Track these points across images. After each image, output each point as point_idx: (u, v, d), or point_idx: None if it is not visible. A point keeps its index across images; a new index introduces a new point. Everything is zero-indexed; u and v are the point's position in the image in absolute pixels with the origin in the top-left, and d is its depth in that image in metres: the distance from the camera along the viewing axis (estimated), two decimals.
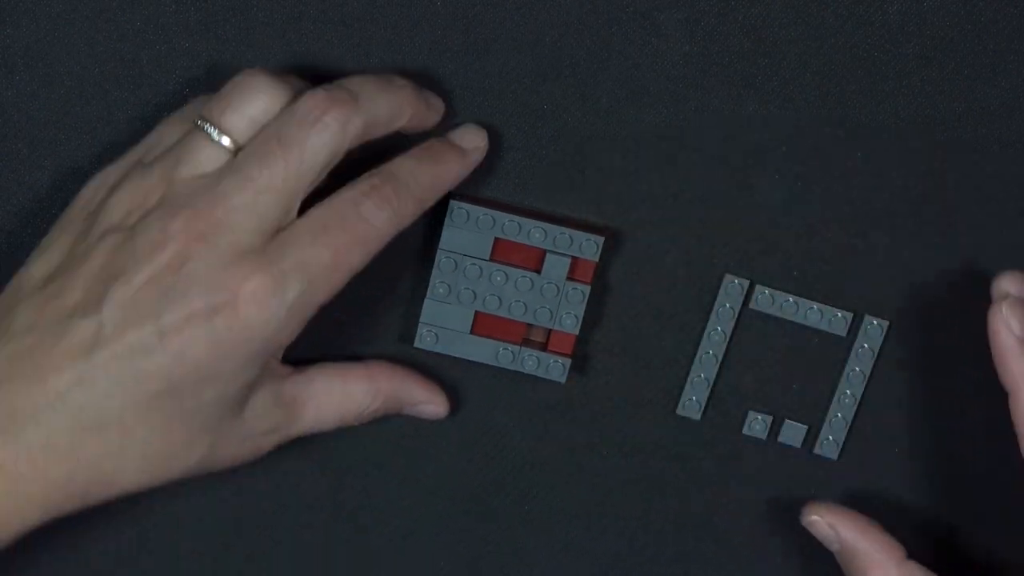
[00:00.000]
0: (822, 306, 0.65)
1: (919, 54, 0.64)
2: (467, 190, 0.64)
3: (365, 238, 0.58)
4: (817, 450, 0.67)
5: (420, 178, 0.60)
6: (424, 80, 0.63)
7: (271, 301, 0.55)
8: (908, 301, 0.66)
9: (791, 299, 0.65)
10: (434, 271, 0.63)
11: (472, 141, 0.63)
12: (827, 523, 0.62)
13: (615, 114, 0.64)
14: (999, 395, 0.66)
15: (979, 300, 0.66)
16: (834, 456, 0.67)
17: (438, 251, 0.63)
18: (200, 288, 0.55)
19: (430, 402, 0.64)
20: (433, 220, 0.64)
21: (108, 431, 0.55)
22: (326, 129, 0.57)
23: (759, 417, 0.66)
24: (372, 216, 0.58)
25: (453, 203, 0.63)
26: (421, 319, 0.64)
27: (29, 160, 0.64)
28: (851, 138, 0.65)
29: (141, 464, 0.56)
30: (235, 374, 0.56)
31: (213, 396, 0.56)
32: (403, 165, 0.60)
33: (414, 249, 0.65)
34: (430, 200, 0.60)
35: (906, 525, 0.67)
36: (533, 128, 0.64)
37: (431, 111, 0.62)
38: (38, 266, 0.58)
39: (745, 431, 0.66)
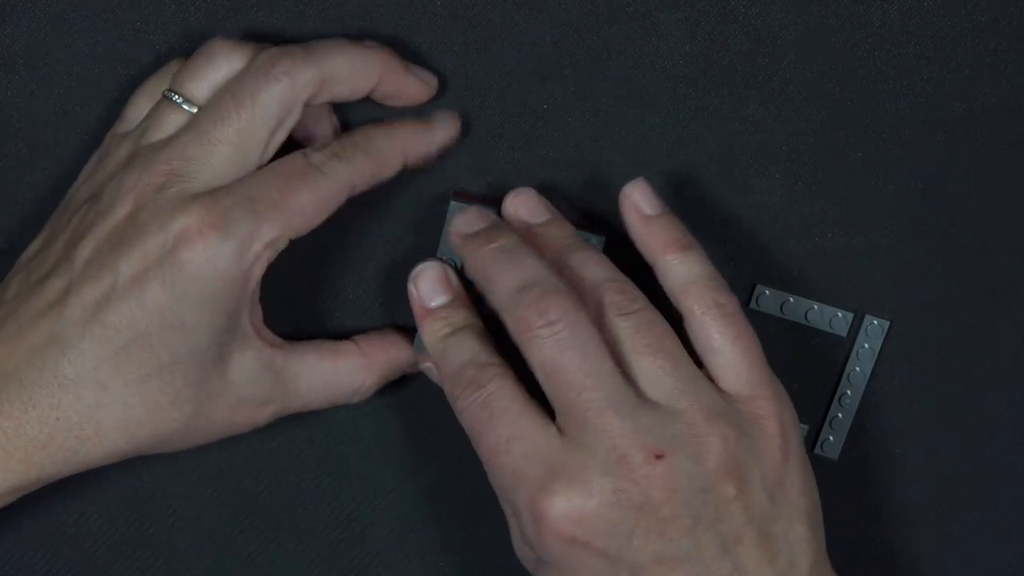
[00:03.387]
0: (822, 306, 0.65)
1: (919, 54, 0.64)
2: (468, 190, 0.64)
3: (315, 183, 0.58)
4: (817, 450, 0.67)
5: (376, 140, 0.60)
6: None
7: (215, 237, 0.56)
8: (908, 301, 0.66)
9: (792, 299, 0.65)
10: None
11: (442, 120, 0.63)
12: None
13: (615, 114, 0.64)
14: (999, 395, 0.66)
15: (979, 300, 0.66)
16: (834, 456, 0.67)
17: (438, 251, 0.63)
18: (151, 232, 0.56)
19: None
20: (433, 220, 0.64)
21: (85, 390, 0.56)
22: (276, 81, 0.58)
23: None
24: (322, 164, 0.58)
25: (453, 203, 0.63)
26: None
27: (29, 160, 0.64)
28: (851, 138, 0.65)
29: (123, 425, 0.57)
30: (201, 321, 0.57)
31: (186, 349, 0.57)
32: (359, 130, 0.61)
33: (414, 250, 0.65)
34: (388, 164, 0.61)
35: (906, 525, 0.67)
36: (533, 128, 0.64)
37: (412, 79, 0.62)
38: (33, 245, 0.60)
39: None
